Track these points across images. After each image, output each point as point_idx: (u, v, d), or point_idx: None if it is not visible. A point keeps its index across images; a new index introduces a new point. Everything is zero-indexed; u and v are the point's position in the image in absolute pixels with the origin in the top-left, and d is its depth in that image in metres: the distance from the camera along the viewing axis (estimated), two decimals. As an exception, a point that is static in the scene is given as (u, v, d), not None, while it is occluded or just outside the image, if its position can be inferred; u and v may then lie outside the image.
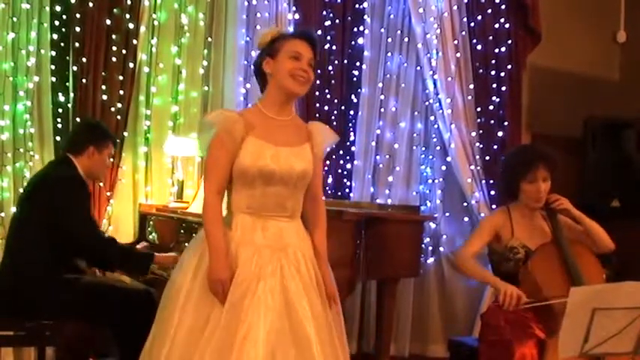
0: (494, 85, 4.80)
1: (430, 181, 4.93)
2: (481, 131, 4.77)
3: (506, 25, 4.81)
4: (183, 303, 2.36)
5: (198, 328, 2.31)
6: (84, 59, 3.88)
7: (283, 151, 2.46)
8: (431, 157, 4.94)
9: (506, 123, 4.76)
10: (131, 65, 4.03)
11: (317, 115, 4.50)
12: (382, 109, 4.84)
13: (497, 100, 4.79)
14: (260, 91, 2.60)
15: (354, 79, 4.86)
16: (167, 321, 2.36)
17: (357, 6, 4.85)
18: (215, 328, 2.28)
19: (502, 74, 4.79)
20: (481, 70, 4.79)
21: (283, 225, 2.48)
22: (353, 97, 4.84)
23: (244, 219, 2.45)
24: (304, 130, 2.59)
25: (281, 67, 2.46)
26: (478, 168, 4.73)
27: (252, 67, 2.64)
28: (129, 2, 4.01)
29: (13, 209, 3.69)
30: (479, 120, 4.77)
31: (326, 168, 4.63)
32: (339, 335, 2.49)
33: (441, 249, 4.87)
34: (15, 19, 3.80)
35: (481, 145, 4.75)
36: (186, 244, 3.45)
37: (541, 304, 2.84)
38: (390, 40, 4.87)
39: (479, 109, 4.77)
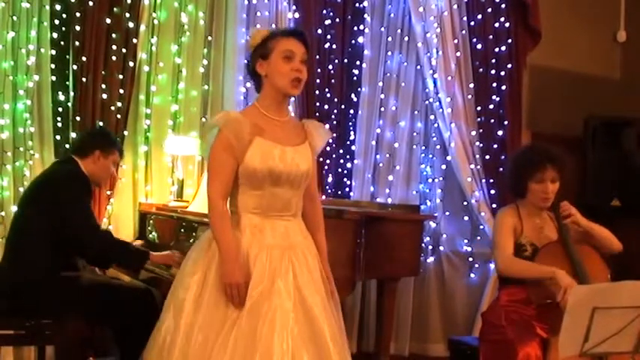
0: (495, 84, 4.80)
1: (430, 180, 4.93)
2: (481, 130, 4.77)
3: (507, 24, 4.81)
4: (194, 304, 2.34)
5: (213, 330, 2.29)
6: (84, 58, 3.87)
7: (289, 151, 2.46)
8: (431, 156, 4.94)
9: (506, 122, 4.77)
10: (131, 64, 4.02)
11: (317, 114, 4.49)
12: (382, 108, 4.84)
13: (497, 99, 4.79)
14: (256, 91, 2.59)
15: (354, 78, 4.85)
16: (174, 320, 2.34)
17: (357, 5, 4.84)
18: (232, 330, 2.27)
19: (502, 73, 4.79)
20: (481, 69, 4.79)
21: (289, 224, 2.49)
22: (353, 96, 4.84)
23: (252, 219, 2.44)
24: (301, 128, 2.59)
25: (275, 68, 2.45)
26: (478, 167, 4.73)
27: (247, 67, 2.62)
28: (129, 1, 4.00)
29: (14, 208, 3.69)
30: (479, 119, 4.77)
31: (326, 167, 4.62)
32: (339, 328, 2.50)
33: (441, 248, 4.87)
34: (15, 17, 3.79)
35: (481, 144, 4.76)
36: (186, 242, 3.49)
37: None
38: (390, 39, 4.87)
39: (479, 108, 4.77)
